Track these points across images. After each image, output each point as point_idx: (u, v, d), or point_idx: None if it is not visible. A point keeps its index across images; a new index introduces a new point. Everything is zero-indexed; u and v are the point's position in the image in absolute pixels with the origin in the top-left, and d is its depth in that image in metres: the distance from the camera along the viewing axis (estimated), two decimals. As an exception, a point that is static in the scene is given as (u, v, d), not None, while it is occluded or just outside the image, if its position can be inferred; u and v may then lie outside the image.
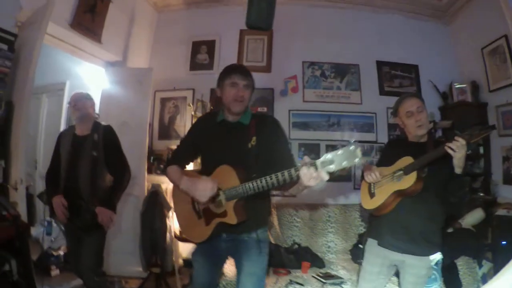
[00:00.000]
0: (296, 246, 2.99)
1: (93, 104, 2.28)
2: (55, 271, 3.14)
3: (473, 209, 2.97)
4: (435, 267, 2.17)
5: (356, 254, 2.80)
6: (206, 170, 1.53)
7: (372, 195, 1.72)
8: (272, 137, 1.51)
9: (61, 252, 3.29)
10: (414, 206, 1.60)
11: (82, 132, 2.16)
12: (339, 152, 1.12)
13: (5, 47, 2.29)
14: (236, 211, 1.42)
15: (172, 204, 1.87)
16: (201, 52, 3.61)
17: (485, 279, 2.55)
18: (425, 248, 1.63)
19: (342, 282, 2.40)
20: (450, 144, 1.42)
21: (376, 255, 1.72)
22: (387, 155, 1.80)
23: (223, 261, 1.74)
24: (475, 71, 3.30)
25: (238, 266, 1.58)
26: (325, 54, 3.50)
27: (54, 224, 3.38)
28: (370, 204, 1.71)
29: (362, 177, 1.80)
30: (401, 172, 1.59)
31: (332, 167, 1.13)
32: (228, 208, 1.44)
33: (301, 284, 2.39)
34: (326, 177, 1.15)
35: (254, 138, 1.47)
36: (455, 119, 3.23)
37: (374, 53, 3.52)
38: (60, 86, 3.98)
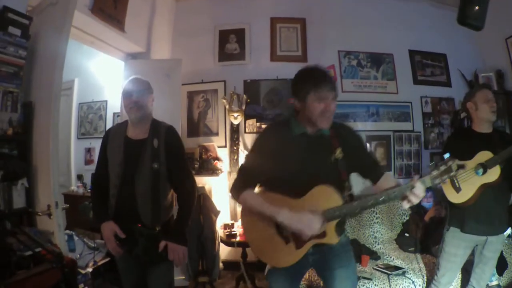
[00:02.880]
0: (344, 239, 2.64)
1: (153, 98, 1.52)
2: (85, 290, 2.52)
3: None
4: (506, 241, 2.23)
5: (405, 243, 2.58)
6: (290, 190, 1.20)
7: (458, 189, 1.67)
8: (355, 146, 1.28)
9: (90, 269, 2.65)
10: (493, 194, 1.63)
11: (136, 135, 1.46)
12: (439, 169, 1.11)
13: (17, 32, 1.57)
14: (337, 230, 1.22)
15: (242, 227, 1.40)
16: (230, 42, 2.99)
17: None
18: (502, 227, 1.72)
19: (404, 272, 2.17)
20: None
21: (460, 239, 1.73)
22: (461, 147, 1.73)
23: (304, 275, 1.56)
24: (499, 60, 3.05)
25: (327, 276, 1.35)
26: (359, 43, 3.05)
27: (75, 238, 2.72)
28: (459, 198, 1.68)
29: None
30: (483, 165, 1.61)
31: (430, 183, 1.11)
32: (328, 229, 1.19)
33: (369, 279, 2.09)
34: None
35: (339, 150, 1.23)
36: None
37: (406, 42, 3.14)
38: (68, 84, 3.16)
